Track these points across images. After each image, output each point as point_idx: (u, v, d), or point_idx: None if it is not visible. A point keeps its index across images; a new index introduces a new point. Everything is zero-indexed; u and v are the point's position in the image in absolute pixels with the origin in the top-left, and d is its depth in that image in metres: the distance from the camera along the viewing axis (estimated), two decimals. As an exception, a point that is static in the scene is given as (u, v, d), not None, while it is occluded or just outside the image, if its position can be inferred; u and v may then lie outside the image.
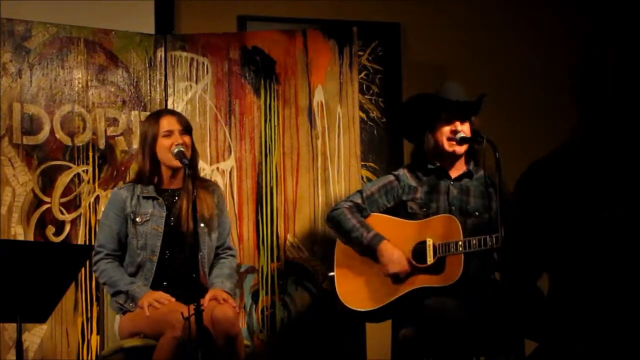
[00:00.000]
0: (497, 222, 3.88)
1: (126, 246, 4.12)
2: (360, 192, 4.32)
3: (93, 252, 4.10)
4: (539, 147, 5.35)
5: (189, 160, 4.07)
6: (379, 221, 4.22)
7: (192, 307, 3.69)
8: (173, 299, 3.94)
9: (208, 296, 3.97)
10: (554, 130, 5.39)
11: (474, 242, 3.98)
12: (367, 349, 4.84)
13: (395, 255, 4.11)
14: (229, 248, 4.28)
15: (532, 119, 5.44)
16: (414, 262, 4.10)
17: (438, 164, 4.24)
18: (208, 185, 4.25)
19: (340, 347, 4.82)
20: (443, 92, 4.24)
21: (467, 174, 4.24)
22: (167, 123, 4.15)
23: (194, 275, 3.98)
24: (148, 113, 4.81)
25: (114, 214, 4.13)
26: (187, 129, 4.17)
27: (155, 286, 4.04)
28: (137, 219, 4.10)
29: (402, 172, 4.31)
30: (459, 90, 4.25)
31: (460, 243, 4.00)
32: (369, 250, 4.17)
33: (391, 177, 4.31)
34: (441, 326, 3.90)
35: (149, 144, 4.13)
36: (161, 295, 3.97)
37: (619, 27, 5.55)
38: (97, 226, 4.62)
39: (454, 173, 4.24)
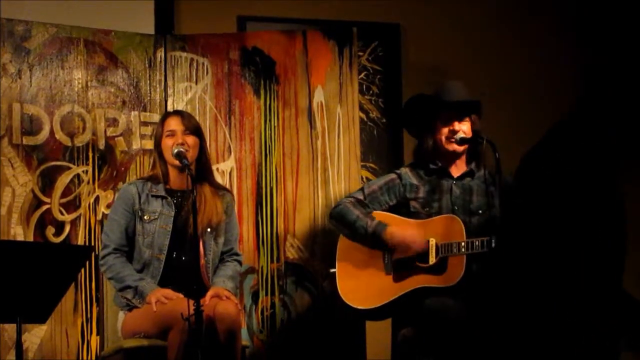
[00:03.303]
0: (501, 220, 3.86)
1: (134, 242, 4.13)
2: (362, 189, 4.33)
3: (101, 246, 4.12)
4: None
5: (196, 161, 4.10)
6: (382, 218, 4.22)
7: (191, 306, 3.70)
8: (181, 295, 3.95)
9: (210, 293, 3.99)
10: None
11: (477, 243, 3.97)
12: (367, 349, 4.84)
13: (407, 234, 4.09)
14: (236, 254, 4.30)
15: (532, 119, 5.43)
16: (416, 261, 4.10)
17: (440, 164, 4.24)
18: (219, 190, 4.25)
19: (340, 347, 4.82)
20: (441, 92, 4.24)
21: (469, 173, 4.24)
22: (171, 123, 4.17)
23: (196, 278, 3.99)
24: (148, 113, 4.82)
25: (123, 209, 4.14)
26: (191, 129, 4.17)
27: (161, 286, 4.04)
28: (145, 217, 4.11)
29: (404, 171, 4.31)
30: (458, 89, 4.24)
31: (462, 244, 4.00)
32: (374, 237, 4.15)
33: (393, 175, 4.32)
34: (441, 326, 3.90)
35: (157, 143, 4.19)
36: (169, 291, 3.97)
37: (619, 26, 5.55)
38: (96, 226, 4.63)
39: (455, 172, 4.23)
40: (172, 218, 4.12)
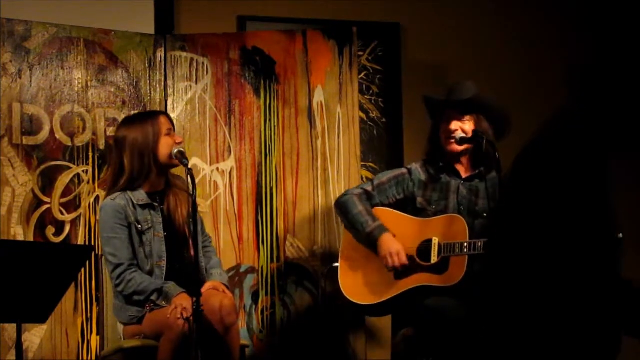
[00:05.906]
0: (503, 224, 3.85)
1: (136, 255, 4.07)
2: (371, 181, 4.33)
3: (110, 269, 4.01)
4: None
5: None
6: (386, 215, 4.22)
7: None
8: (190, 311, 3.81)
9: (207, 285, 3.97)
10: (554, 131, 5.39)
11: (479, 244, 3.96)
12: (367, 349, 4.84)
13: (393, 248, 4.09)
14: (208, 240, 4.29)
15: (533, 119, 5.43)
16: (418, 260, 4.09)
17: (444, 163, 4.23)
18: (183, 182, 4.21)
19: (340, 347, 4.82)
20: (449, 91, 4.24)
21: (478, 175, 4.22)
22: (166, 122, 4.14)
23: (197, 277, 3.98)
24: (148, 113, 4.82)
25: (120, 225, 4.02)
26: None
27: None
28: (140, 227, 4.05)
29: (415, 167, 4.30)
30: (462, 88, 4.23)
31: (465, 244, 3.99)
32: (369, 239, 4.15)
33: (403, 170, 4.32)
34: (440, 326, 3.90)
35: (151, 143, 4.05)
36: (189, 305, 3.80)
37: (618, 26, 5.55)
38: (97, 226, 4.62)
39: (464, 173, 4.23)
40: (162, 224, 4.10)
